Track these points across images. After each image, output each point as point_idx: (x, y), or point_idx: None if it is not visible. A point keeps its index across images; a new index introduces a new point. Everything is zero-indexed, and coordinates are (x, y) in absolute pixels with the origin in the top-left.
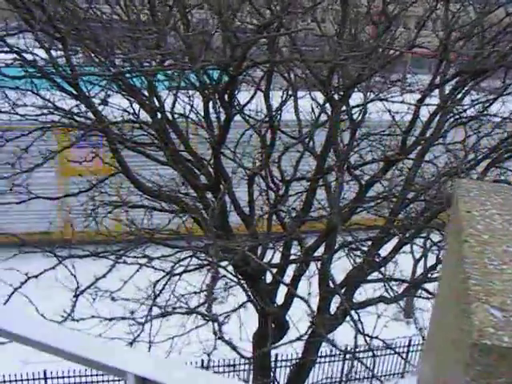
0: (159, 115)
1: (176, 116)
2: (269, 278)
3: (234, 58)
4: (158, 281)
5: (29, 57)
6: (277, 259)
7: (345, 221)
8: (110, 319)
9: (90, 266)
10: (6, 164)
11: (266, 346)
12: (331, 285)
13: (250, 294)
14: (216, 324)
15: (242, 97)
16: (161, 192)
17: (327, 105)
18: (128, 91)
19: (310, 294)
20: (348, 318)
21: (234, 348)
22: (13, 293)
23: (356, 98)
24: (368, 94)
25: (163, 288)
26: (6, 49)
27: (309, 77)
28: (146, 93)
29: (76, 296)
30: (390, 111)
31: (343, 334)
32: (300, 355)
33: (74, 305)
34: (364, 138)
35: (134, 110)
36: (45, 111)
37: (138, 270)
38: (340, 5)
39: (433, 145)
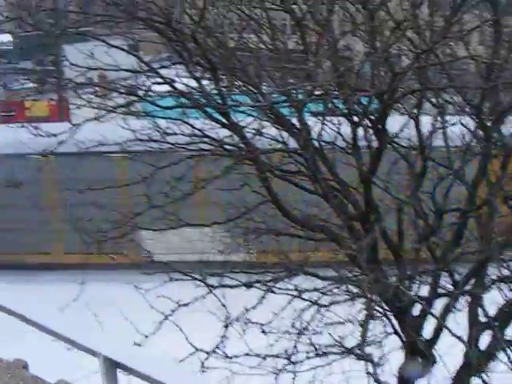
0: (307, 143)
1: (323, 144)
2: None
3: (391, 86)
4: (303, 310)
5: (180, 87)
6: (423, 291)
7: (499, 253)
8: (264, 357)
9: (240, 296)
10: (158, 193)
11: (412, 379)
12: (482, 319)
13: (395, 326)
14: (370, 364)
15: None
16: (309, 221)
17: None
18: (276, 120)
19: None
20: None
21: None
22: (163, 320)
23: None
24: None
25: (311, 319)
26: (158, 80)
27: (459, 102)
28: (295, 121)
29: (226, 326)
30: None
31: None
32: None
33: (224, 335)
34: None
35: (282, 138)
36: (195, 140)
37: (289, 302)
38: (492, 26)
39: None
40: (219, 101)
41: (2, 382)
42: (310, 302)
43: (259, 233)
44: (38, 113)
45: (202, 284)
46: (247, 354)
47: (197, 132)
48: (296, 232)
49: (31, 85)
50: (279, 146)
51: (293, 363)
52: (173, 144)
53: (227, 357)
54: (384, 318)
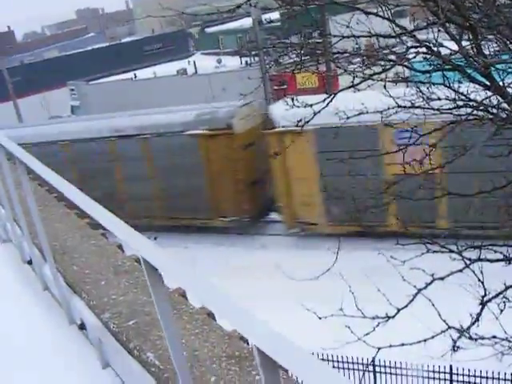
0: None
1: None
2: None
3: None
4: None
5: (439, 50)
6: None
7: None
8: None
9: (501, 271)
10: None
11: None
12: None
13: None
14: None
15: None
16: None
17: None
18: None
19: None
20: None
21: None
22: (416, 294)
23: None
24: None
25: None
26: (416, 44)
27: None
28: None
29: (482, 304)
30: None
31: None
32: None
33: (479, 314)
34: None
35: None
36: (459, 103)
37: None
38: None
39: None
40: (481, 61)
41: (220, 349)
42: None
43: None
44: (307, 84)
45: (459, 257)
46: (494, 337)
47: (459, 96)
48: None
49: (300, 58)
50: None
51: None
52: (436, 109)
53: (471, 338)
54: None
